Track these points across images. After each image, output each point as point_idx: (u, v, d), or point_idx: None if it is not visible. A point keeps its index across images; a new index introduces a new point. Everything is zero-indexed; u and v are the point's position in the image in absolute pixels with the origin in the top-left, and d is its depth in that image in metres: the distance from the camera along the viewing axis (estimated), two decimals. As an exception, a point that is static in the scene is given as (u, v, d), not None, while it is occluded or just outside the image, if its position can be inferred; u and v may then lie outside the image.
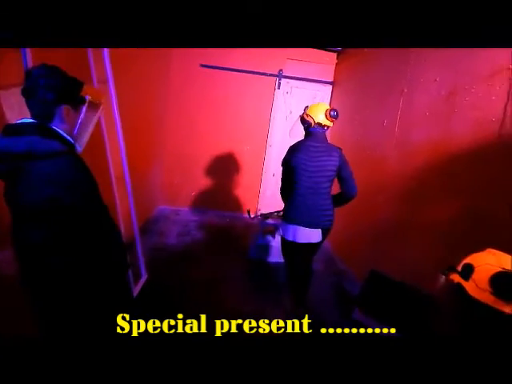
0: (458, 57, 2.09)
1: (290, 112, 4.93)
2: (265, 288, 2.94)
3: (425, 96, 2.43)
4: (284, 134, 5.00)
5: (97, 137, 2.18)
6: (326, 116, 2.20)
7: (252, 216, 3.10)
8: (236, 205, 5.13)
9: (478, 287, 1.00)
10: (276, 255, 3.52)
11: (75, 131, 1.23)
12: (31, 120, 1.09)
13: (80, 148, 1.29)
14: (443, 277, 1.13)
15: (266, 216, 3.71)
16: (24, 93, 1.09)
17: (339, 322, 2.52)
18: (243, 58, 4.64)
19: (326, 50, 4.69)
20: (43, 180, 1.01)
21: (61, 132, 1.13)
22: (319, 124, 2.23)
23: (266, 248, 3.51)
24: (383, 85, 3.16)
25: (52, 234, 1.05)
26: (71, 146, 1.16)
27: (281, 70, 4.74)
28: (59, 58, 1.93)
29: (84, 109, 1.24)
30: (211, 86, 4.76)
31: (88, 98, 1.22)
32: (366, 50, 3.71)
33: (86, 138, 1.35)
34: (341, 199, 2.39)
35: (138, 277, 2.66)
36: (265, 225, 3.58)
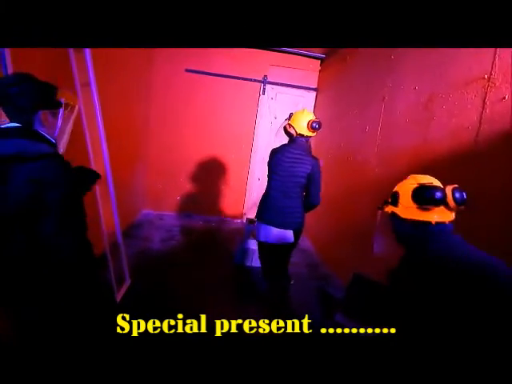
0: (435, 66, 2.17)
1: (275, 117, 4.98)
2: (249, 295, 2.93)
3: (405, 103, 2.51)
4: (269, 139, 5.05)
5: (79, 141, 2.15)
6: (307, 127, 2.27)
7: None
8: (222, 209, 5.13)
9: (405, 208, 1.15)
10: (261, 259, 3.53)
11: (56, 134, 1.25)
12: (17, 124, 1.10)
13: (61, 149, 1.30)
14: (379, 212, 1.29)
15: (251, 221, 3.73)
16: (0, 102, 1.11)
17: (322, 325, 2.53)
18: (228, 63, 4.67)
19: (309, 57, 4.77)
20: (30, 181, 1.02)
21: (46, 135, 1.14)
22: (301, 134, 2.30)
23: (252, 253, 3.52)
24: (365, 92, 3.24)
25: (34, 235, 1.05)
26: (55, 148, 1.18)
27: (265, 76, 4.80)
28: (41, 61, 1.91)
29: (61, 112, 1.26)
30: (196, 90, 4.76)
31: (63, 101, 1.22)
32: (348, 57, 3.80)
33: (65, 139, 1.36)
34: (305, 205, 2.46)
35: (121, 281, 2.62)
36: (250, 229, 3.59)
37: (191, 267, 3.30)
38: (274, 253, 2.48)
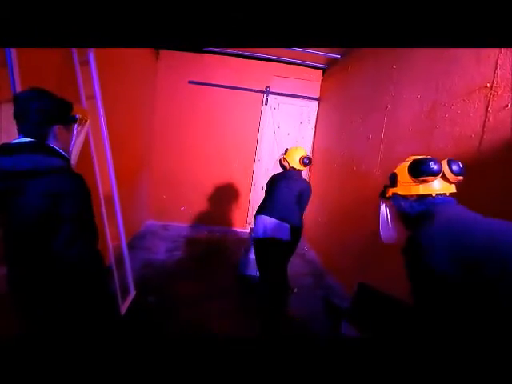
0: (438, 74, 2.18)
1: (278, 127, 5.01)
2: (252, 307, 2.90)
3: (408, 112, 2.51)
4: (272, 149, 5.07)
5: (84, 154, 2.18)
6: (299, 162, 2.59)
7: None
8: (226, 219, 5.13)
9: (404, 185, 1.18)
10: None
11: (71, 148, 1.28)
12: (29, 139, 1.11)
13: (73, 162, 1.32)
14: (381, 199, 1.32)
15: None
16: (16, 116, 1.12)
17: (328, 335, 2.51)
18: (231, 74, 4.73)
19: (311, 68, 4.82)
20: (45, 194, 1.04)
21: (58, 149, 1.16)
22: (293, 168, 2.61)
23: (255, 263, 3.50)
24: (368, 101, 3.26)
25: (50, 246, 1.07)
26: (68, 162, 1.20)
27: (268, 87, 4.84)
28: (47, 75, 1.95)
29: (76, 127, 1.28)
30: (199, 102, 4.81)
31: (78, 116, 1.25)
32: (350, 66, 3.83)
33: (76, 152, 1.38)
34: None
35: (125, 293, 2.62)
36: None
37: (195, 278, 3.29)
38: (270, 252, 2.56)
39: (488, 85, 1.76)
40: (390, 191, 1.25)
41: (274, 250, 2.55)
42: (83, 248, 1.13)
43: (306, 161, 2.57)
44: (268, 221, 2.49)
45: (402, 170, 1.20)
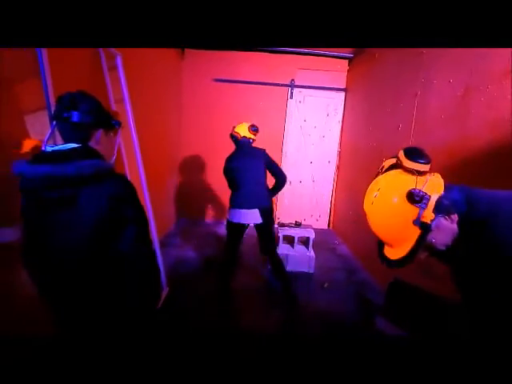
0: (472, 56, 2.06)
1: (304, 120, 4.95)
2: (283, 302, 2.90)
3: (439, 98, 2.40)
4: (299, 142, 5.02)
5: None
6: (249, 130, 2.82)
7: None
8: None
9: (425, 185, 0.91)
10: (294, 264, 3.50)
11: (114, 152, 1.28)
12: (75, 144, 1.09)
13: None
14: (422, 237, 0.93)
15: (283, 225, 3.72)
16: (58, 117, 1.09)
17: (362, 331, 2.46)
18: (255, 70, 4.72)
19: (336, 58, 4.71)
20: (109, 198, 1.03)
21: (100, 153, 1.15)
22: (245, 137, 2.82)
23: (285, 258, 3.50)
24: (396, 88, 3.14)
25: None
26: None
27: (292, 80, 4.79)
28: (79, 79, 2.04)
29: (120, 132, 1.28)
30: (225, 99, 4.85)
31: (121, 122, 1.26)
32: (377, 54, 3.70)
33: (113, 156, 1.38)
34: (277, 186, 2.95)
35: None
36: (283, 234, 3.58)
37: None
38: (240, 233, 2.88)
39: (527, 64, 1.65)
40: (425, 211, 0.89)
41: (241, 232, 2.85)
42: (149, 247, 1.16)
43: (254, 128, 2.84)
44: (242, 213, 2.74)
45: (405, 179, 0.94)
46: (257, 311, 2.71)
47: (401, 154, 0.97)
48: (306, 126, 4.98)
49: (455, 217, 0.90)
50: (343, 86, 4.85)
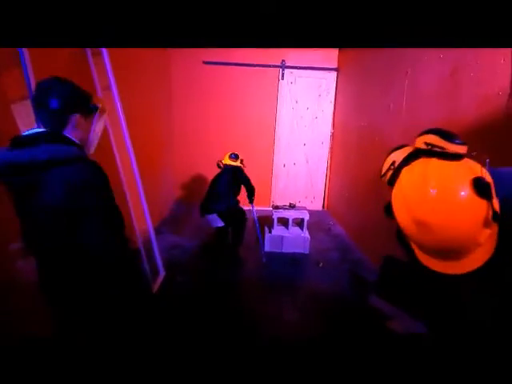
0: (461, 32, 2.04)
1: (296, 102, 4.91)
2: (280, 283, 2.95)
3: (429, 75, 2.38)
4: (291, 125, 4.99)
5: (103, 143, 2.24)
6: (228, 159, 3.50)
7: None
8: (248, 199, 5.16)
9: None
10: (289, 245, 3.54)
11: (90, 138, 1.26)
12: (43, 129, 1.10)
13: (90, 152, 1.31)
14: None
15: (278, 207, 3.74)
16: (35, 103, 1.10)
17: (356, 308, 2.52)
18: (245, 51, 4.64)
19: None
20: (67, 184, 1.02)
21: (73, 138, 1.14)
22: (225, 164, 3.48)
23: (280, 239, 3.54)
24: (387, 67, 3.11)
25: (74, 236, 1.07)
26: (83, 151, 1.18)
27: (283, 61, 4.71)
28: (62, 67, 1.99)
29: (96, 116, 1.26)
30: (215, 82, 4.78)
31: (99, 105, 1.24)
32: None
33: (95, 143, 1.36)
34: (248, 193, 3.45)
35: (156, 274, 2.74)
36: (278, 216, 3.60)
37: (223, 256, 3.37)
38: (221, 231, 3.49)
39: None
40: (495, 201, 0.72)
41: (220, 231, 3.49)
42: (108, 238, 1.12)
43: (233, 155, 3.51)
44: (209, 217, 3.32)
45: (459, 167, 0.76)
46: (255, 294, 2.75)
47: (435, 139, 0.80)
48: (298, 107, 4.94)
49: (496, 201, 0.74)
50: (335, 66, 4.79)
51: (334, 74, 4.80)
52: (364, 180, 3.62)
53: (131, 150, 2.53)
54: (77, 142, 1.16)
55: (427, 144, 0.81)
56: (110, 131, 2.33)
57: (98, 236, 1.09)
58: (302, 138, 5.06)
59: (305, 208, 3.87)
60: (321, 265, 3.25)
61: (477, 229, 0.72)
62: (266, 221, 3.88)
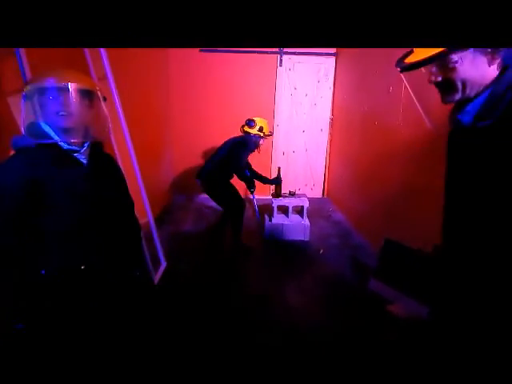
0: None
1: (295, 88, 4.86)
2: (282, 270, 2.97)
3: (429, 57, 2.34)
4: (290, 112, 4.95)
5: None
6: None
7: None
8: (248, 187, 5.15)
9: None
10: (290, 233, 3.55)
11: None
12: None
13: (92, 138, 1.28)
14: None
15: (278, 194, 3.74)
16: None
17: (356, 293, 2.54)
18: (242, 37, 4.56)
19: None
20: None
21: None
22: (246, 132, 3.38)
23: (280, 227, 3.55)
24: (386, 49, 3.06)
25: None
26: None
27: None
28: (56, 57, 1.96)
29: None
30: (213, 69, 4.73)
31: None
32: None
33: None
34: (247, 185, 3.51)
35: (157, 265, 2.75)
36: (277, 204, 3.61)
37: (223, 245, 3.38)
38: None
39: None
40: None
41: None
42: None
43: (248, 121, 3.35)
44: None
45: None
46: (257, 282, 2.77)
47: None
48: (297, 94, 4.89)
49: (497, 60, 0.84)
50: (333, 51, 4.72)
51: (333, 59, 4.74)
52: (364, 165, 3.61)
53: (129, 141, 2.51)
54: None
55: None
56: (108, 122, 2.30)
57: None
58: (301, 125, 5.02)
59: (304, 195, 3.87)
60: (321, 251, 3.27)
61: None
62: (265, 209, 3.88)
